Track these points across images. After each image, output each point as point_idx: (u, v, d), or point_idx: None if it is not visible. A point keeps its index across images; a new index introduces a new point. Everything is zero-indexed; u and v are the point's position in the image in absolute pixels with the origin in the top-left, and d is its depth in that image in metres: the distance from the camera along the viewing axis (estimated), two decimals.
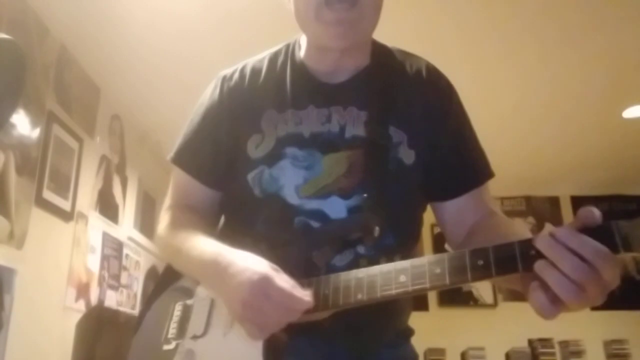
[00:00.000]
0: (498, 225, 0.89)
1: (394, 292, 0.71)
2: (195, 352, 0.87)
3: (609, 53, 2.73)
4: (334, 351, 0.87)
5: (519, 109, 3.31)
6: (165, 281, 1.03)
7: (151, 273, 3.75)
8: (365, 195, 0.87)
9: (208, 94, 1.03)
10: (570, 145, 3.84)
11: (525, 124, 3.49)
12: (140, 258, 3.51)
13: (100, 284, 2.83)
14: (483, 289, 4.55)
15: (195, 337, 0.88)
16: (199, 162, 1.00)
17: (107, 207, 2.99)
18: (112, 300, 2.99)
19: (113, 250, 3.04)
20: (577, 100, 3.22)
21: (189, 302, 0.93)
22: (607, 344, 4.29)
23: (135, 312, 3.36)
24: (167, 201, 1.05)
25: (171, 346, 0.90)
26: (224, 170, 0.98)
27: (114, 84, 2.95)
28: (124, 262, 3.21)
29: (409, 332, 1.00)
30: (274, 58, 1.02)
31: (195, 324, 0.89)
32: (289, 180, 0.90)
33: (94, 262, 2.77)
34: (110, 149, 3.05)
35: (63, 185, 2.47)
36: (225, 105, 0.99)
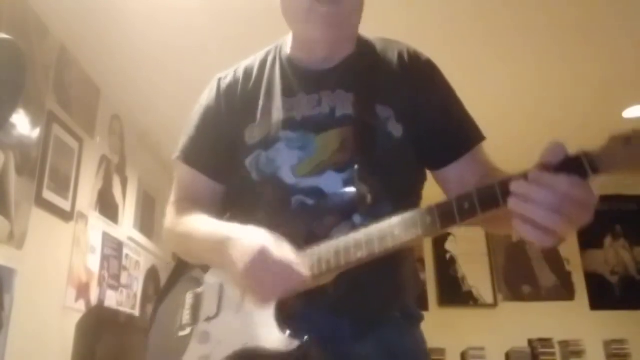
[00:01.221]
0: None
1: (390, 245, 0.77)
2: (210, 332, 0.92)
3: (609, 52, 2.73)
4: (340, 323, 0.90)
5: (518, 109, 3.31)
6: (176, 275, 1.08)
7: (151, 273, 3.75)
8: (356, 166, 0.92)
9: (206, 95, 1.11)
10: (570, 145, 3.83)
11: (524, 124, 3.48)
12: (140, 258, 3.51)
13: (100, 284, 2.83)
14: (483, 289, 4.56)
15: (208, 319, 0.93)
16: (204, 156, 1.06)
17: (107, 207, 2.99)
18: (112, 300, 2.99)
19: (113, 250, 3.04)
20: (576, 100, 3.22)
21: (199, 290, 0.99)
22: (607, 344, 4.29)
23: (136, 312, 3.36)
24: (172, 198, 1.10)
25: (186, 332, 0.95)
26: (226, 162, 1.03)
27: (114, 84, 2.95)
28: (124, 262, 3.21)
29: (417, 317, 1.02)
30: (264, 57, 1.10)
31: (207, 308, 0.95)
32: (285, 161, 0.95)
33: (94, 262, 2.77)
34: (110, 149, 3.05)
35: (63, 185, 2.47)
36: (222, 102, 1.07)
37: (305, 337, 0.80)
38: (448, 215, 0.73)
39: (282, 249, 0.82)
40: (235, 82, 1.07)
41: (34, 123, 2.24)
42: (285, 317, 0.83)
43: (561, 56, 2.75)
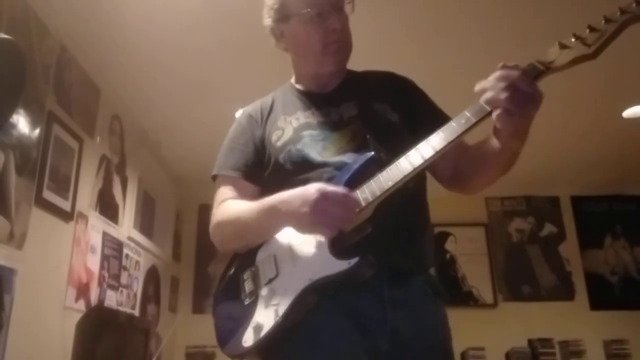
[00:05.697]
0: (473, 150, 1.14)
1: (409, 170, 0.98)
2: (275, 288, 1.05)
3: (609, 53, 2.73)
4: (380, 272, 1.03)
5: None
6: (229, 267, 1.20)
7: (151, 273, 3.75)
8: (369, 145, 1.11)
9: (234, 124, 1.33)
10: (571, 145, 3.84)
11: None
12: (140, 258, 3.52)
13: (100, 284, 2.83)
14: (483, 289, 4.56)
15: (270, 281, 1.07)
16: (238, 162, 1.25)
17: (107, 207, 2.99)
18: (112, 300, 2.99)
19: (113, 250, 3.04)
20: (577, 101, 3.22)
21: (252, 268, 1.12)
22: (607, 344, 4.29)
23: (136, 312, 3.36)
24: (216, 203, 1.24)
25: (252, 298, 1.08)
26: (256, 165, 1.23)
27: (114, 84, 2.95)
28: (124, 262, 3.21)
29: (443, 293, 1.17)
30: (277, 93, 1.34)
31: (266, 273, 1.08)
32: (312, 149, 1.16)
33: (94, 262, 2.78)
34: (110, 149, 3.05)
35: (63, 185, 2.47)
36: (248, 124, 1.29)
37: (357, 257, 0.98)
38: (452, 134, 0.97)
39: (333, 187, 0.99)
40: (256, 110, 1.31)
41: (34, 123, 2.24)
42: (339, 254, 1.00)
43: None
